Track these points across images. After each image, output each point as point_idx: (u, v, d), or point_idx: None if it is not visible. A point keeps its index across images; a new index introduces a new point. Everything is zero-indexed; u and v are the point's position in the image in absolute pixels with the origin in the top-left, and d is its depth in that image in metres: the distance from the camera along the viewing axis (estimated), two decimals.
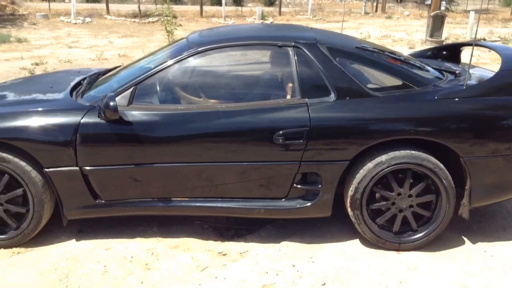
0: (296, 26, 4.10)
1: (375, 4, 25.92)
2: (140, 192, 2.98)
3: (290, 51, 2.98)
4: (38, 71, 8.61)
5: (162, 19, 17.97)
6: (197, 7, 20.36)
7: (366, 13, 24.06)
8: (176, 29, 7.05)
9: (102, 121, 2.84)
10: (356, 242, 3.10)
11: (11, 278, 2.72)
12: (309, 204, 2.93)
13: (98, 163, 2.89)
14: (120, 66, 4.03)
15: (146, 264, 2.85)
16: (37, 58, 9.90)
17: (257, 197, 2.98)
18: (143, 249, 3.00)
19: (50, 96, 3.21)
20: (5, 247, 2.99)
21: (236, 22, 19.32)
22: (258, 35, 3.37)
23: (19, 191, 2.92)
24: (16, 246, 3.00)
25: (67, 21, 16.30)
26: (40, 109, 2.94)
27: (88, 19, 16.75)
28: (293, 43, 2.99)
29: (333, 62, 2.95)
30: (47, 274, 2.76)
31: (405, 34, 16.10)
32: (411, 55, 4.12)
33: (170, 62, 3.01)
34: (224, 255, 2.96)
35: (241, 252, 2.99)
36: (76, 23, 16.19)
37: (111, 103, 2.72)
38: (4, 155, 2.84)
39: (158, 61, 3.12)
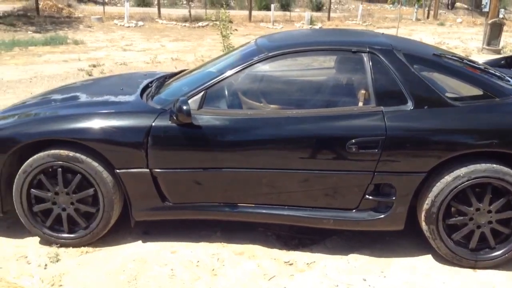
0: (366, 31, 3.99)
1: (426, 10, 25.28)
2: (207, 196, 2.96)
3: (365, 57, 2.89)
4: (96, 72, 8.86)
5: (212, 24, 18.20)
6: (245, 12, 20.47)
7: (418, 19, 23.51)
8: (231, 33, 7.07)
9: (173, 124, 2.84)
10: (428, 257, 2.96)
11: (81, 278, 2.75)
12: (381, 216, 2.82)
13: (168, 166, 2.89)
14: (186, 70, 4.05)
15: (213, 270, 2.82)
16: (94, 60, 10.18)
17: (325, 207, 2.90)
18: (208, 254, 2.97)
19: (121, 98, 3.24)
20: (74, 246, 3.04)
21: (285, 27, 19.31)
22: (330, 40, 3.29)
23: (91, 191, 2.95)
24: (84, 246, 3.04)
25: (120, 25, 16.74)
26: (113, 111, 2.98)
27: (140, 23, 17.15)
28: (368, 49, 2.90)
29: (410, 70, 2.84)
30: (116, 275, 2.77)
31: (460, 42, 15.62)
32: (484, 63, 3.94)
33: (240, 67, 2.98)
34: (290, 264, 2.89)
35: (308, 262, 2.91)
36: (129, 26, 16.61)
37: (184, 107, 2.71)
38: (78, 155, 2.88)
39: (228, 65, 3.10)
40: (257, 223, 3.22)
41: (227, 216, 3.00)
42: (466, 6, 31.74)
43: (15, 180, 2.94)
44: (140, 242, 3.11)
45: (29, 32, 14.54)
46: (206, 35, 15.96)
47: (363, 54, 2.90)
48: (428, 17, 25.15)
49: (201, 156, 2.87)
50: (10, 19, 15.37)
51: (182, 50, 12.12)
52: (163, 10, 19.16)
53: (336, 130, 2.77)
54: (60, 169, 2.92)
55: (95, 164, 2.90)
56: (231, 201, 2.96)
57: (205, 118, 2.85)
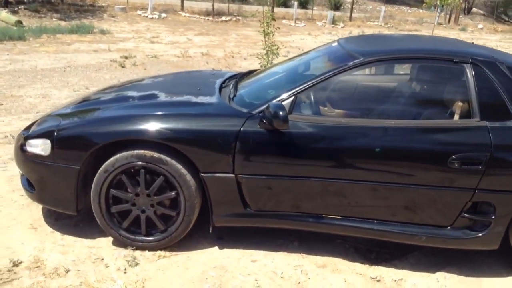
0: (458, 40, 3.83)
1: (448, 15, 25.05)
2: (292, 206, 2.85)
3: (467, 68, 2.76)
4: (128, 64, 8.77)
5: (235, 19, 18.04)
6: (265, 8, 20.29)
7: (439, 23, 23.28)
8: (273, 32, 6.93)
9: (262, 129, 2.73)
10: None
11: (164, 284, 2.65)
12: (478, 235, 2.71)
13: (254, 172, 2.78)
14: (257, 70, 3.93)
15: (299, 283, 2.72)
16: (124, 51, 10.09)
17: (418, 223, 2.79)
18: (290, 265, 2.87)
19: (203, 99, 3.13)
20: (150, 249, 2.94)
21: (307, 25, 19.17)
22: (429, 48, 3.14)
23: (172, 194, 2.85)
24: (160, 249, 2.94)
25: (143, 15, 16.64)
26: (200, 112, 2.88)
27: (163, 15, 17.04)
28: (470, 60, 2.77)
29: None
30: (199, 283, 2.67)
31: None
32: None
33: (333, 72, 2.84)
34: (378, 281, 2.78)
35: (395, 279, 2.80)
36: (152, 18, 16.50)
37: (281, 113, 2.59)
38: (162, 156, 2.77)
39: (318, 70, 2.98)
40: (335, 235, 3.11)
41: (311, 227, 2.89)
42: (482, 12, 31.49)
43: (95, 179, 2.84)
44: (216, 248, 3.01)
45: (54, 19, 14.47)
46: (230, 30, 15.84)
47: (465, 65, 2.77)
48: (449, 21, 24.92)
49: (290, 164, 2.76)
50: (35, 5, 15.28)
51: (209, 45, 12.00)
52: (185, 3, 19.04)
53: (437, 144, 2.66)
54: (142, 170, 2.81)
55: (179, 166, 2.79)
56: (317, 212, 2.85)
57: (296, 125, 2.73)
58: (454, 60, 2.80)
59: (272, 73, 3.46)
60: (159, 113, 2.87)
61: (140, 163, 2.78)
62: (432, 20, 23.63)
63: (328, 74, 2.83)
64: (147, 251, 2.93)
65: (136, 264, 2.80)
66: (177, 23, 16.33)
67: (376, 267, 2.92)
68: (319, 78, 2.83)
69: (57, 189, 2.91)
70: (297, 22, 19.26)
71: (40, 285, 2.58)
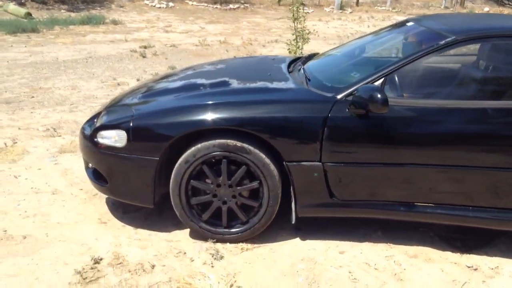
0: None
1: None
2: (382, 194, 2.72)
3: None
4: (149, 54, 8.59)
5: (243, 6, 17.79)
6: None
7: (446, 7, 23.06)
8: (304, 17, 6.76)
9: (352, 114, 2.59)
10: None
11: (257, 278, 2.53)
12: None
13: (341, 160, 2.64)
14: (318, 53, 3.79)
15: (395, 274, 2.60)
16: (140, 41, 9.91)
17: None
18: (380, 256, 2.75)
19: (279, 85, 2.99)
20: (231, 241, 2.82)
21: (315, 11, 18.94)
22: None
23: (255, 184, 2.72)
24: (242, 242, 2.82)
25: (151, 5, 16.37)
26: (281, 98, 2.75)
27: (171, 4, 16.77)
28: None
29: None
30: (291, 276, 2.56)
31: None
32: None
33: (423, 52, 2.68)
34: (475, 269, 2.67)
35: (491, 267, 2.69)
36: (160, 7, 16.25)
37: (380, 96, 2.45)
38: (245, 145, 2.64)
39: (398, 50, 2.84)
40: (417, 223, 2.99)
41: (401, 216, 2.76)
42: None
43: (175, 170, 2.70)
44: (298, 239, 2.89)
45: (62, 10, 14.22)
46: (240, 17, 15.61)
47: None
48: (455, 5, 24.67)
49: (381, 150, 2.62)
50: None
51: (224, 33, 11.80)
52: None
53: None
54: (225, 159, 2.68)
55: (262, 155, 2.66)
56: (408, 200, 2.72)
57: (392, 108, 2.57)
58: None
59: (342, 56, 3.32)
60: (240, 100, 2.73)
61: (222, 152, 2.65)
62: (438, 4, 23.41)
63: (418, 54, 2.68)
64: (228, 244, 2.81)
65: (221, 258, 2.68)
66: (185, 12, 16.06)
67: (468, 255, 2.80)
68: (409, 58, 2.68)
69: (134, 181, 2.77)
70: (305, 8, 19.02)
71: (128, 282, 2.46)
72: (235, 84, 3.04)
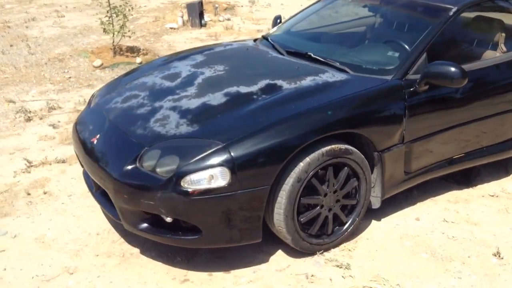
0: None
1: None
2: (443, 154, 3.03)
3: None
4: None
5: None
6: None
7: None
8: None
9: (423, 91, 2.78)
10: None
11: (394, 265, 2.57)
12: None
13: (419, 135, 2.84)
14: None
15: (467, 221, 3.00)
16: None
17: None
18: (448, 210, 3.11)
19: (328, 77, 2.86)
20: (335, 246, 2.73)
21: None
22: None
23: (355, 182, 2.67)
24: (342, 243, 2.76)
25: None
26: (357, 91, 2.70)
27: None
28: None
29: None
30: (417, 254, 2.69)
31: None
32: None
33: (440, 24, 2.98)
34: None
35: None
36: None
37: (454, 69, 2.64)
38: (349, 147, 2.56)
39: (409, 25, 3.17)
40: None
41: (454, 168, 3.14)
42: None
43: (288, 193, 2.41)
44: (395, 222, 2.98)
45: None
46: None
47: None
48: None
49: (450, 115, 2.94)
50: None
51: None
52: None
53: None
54: (330, 166, 2.53)
55: (359, 152, 2.63)
56: (461, 152, 3.12)
57: None
58: None
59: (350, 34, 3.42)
60: (332, 101, 2.58)
61: (331, 160, 2.51)
62: None
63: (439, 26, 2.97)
64: (332, 250, 2.72)
65: (348, 265, 2.58)
66: None
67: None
68: (438, 29, 2.95)
69: (239, 219, 2.37)
70: None
71: None
72: (285, 87, 2.76)
